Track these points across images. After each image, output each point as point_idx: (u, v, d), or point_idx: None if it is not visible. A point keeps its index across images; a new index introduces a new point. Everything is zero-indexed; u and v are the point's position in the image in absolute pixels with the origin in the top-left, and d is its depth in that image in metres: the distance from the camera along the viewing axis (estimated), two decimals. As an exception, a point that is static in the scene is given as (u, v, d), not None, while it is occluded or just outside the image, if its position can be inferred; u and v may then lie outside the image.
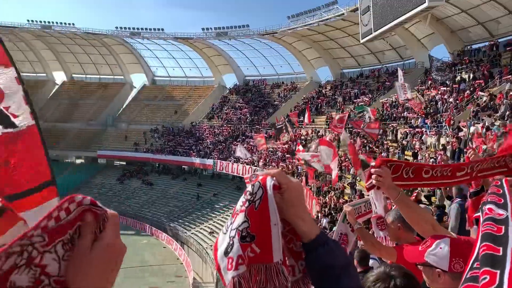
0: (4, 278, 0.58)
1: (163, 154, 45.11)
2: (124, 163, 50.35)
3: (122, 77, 58.36)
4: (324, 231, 0.87)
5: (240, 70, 53.21)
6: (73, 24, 51.89)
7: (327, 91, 42.36)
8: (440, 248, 2.04)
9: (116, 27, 51.93)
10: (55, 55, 56.33)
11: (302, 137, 33.52)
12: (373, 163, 2.25)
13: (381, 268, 1.55)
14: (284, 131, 32.56)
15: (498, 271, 1.05)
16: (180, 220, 35.90)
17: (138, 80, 59.86)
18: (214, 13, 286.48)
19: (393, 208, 3.32)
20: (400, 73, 25.41)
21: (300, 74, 49.01)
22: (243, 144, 37.46)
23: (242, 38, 48.31)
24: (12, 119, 2.24)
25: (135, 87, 59.12)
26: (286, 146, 34.00)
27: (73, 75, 59.61)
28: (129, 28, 51.76)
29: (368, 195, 3.05)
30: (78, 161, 52.72)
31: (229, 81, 54.88)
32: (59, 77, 59.84)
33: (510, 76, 21.32)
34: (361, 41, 33.59)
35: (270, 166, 32.57)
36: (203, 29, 49.42)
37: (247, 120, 45.53)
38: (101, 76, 59.64)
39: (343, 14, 36.66)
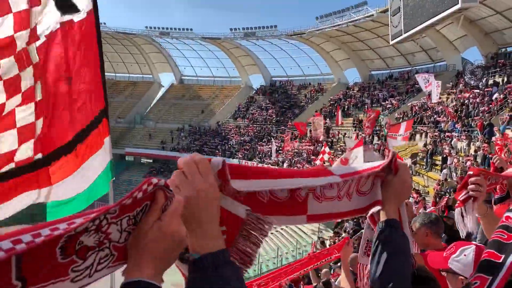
0: (75, 237, 0.73)
1: (189, 152, 45.50)
2: (151, 160, 51.20)
3: (151, 76, 59.36)
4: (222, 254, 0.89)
5: (267, 71, 53.23)
6: (105, 23, 53.06)
7: (355, 92, 41.87)
8: (465, 255, 2.01)
9: (146, 27, 52.88)
10: (87, 54, 57.65)
11: (329, 139, 33.25)
12: (470, 172, 1.98)
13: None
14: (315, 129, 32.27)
15: (490, 278, 1.06)
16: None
17: (166, 79, 60.73)
18: (242, 14, 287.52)
19: (419, 213, 3.26)
20: (429, 77, 24.85)
21: (328, 75, 48.64)
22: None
23: (270, 38, 48.33)
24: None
25: (163, 86, 60.05)
26: (312, 147, 33.79)
27: (105, 74, 60.92)
28: (158, 28, 52.59)
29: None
30: (107, 158, 53.84)
31: (255, 81, 54.99)
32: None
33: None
34: (391, 42, 33.08)
35: (295, 167, 32.47)
36: (231, 29, 49.75)
37: (273, 121, 45.50)
38: (130, 75, 60.80)
39: (372, 15, 36.19)
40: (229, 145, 44.64)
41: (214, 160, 0.97)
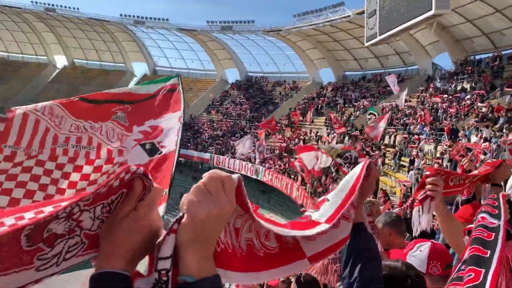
0: (43, 225, 0.71)
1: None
2: (121, 151, 50.28)
3: (124, 64, 58.19)
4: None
5: (243, 66, 53.13)
6: (78, 8, 51.66)
7: (328, 92, 42.37)
8: (420, 251, 2.09)
9: (121, 15, 51.75)
10: (57, 39, 56.03)
11: (301, 136, 33.56)
12: (427, 172, 2.07)
13: (397, 263, 1.52)
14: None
15: (483, 270, 1.10)
16: (173, 212, 35.82)
17: (139, 68, 59.59)
18: (219, 7, 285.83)
19: (383, 213, 3.32)
20: (393, 80, 25.29)
21: (303, 73, 48.99)
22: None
23: (247, 33, 48.22)
24: (160, 149, 2.55)
25: (136, 76, 58.96)
26: (284, 144, 34.02)
27: (75, 60, 59.37)
28: (133, 16, 51.56)
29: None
30: (75, 146, 52.54)
31: (231, 75, 54.80)
32: (60, 61, 59.58)
33: (510, 89, 21.37)
34: (366, 44, 33.62)
35: (267, 164, 32.61)
36: (208, 22, 49.34)
37: (247, 116, 45.50)
38: (102, 63, 59.41)
39: (349, 16, 36.64)
40: (202, 139, 44.36)
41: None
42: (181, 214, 0.81)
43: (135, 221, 0.81)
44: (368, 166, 1.26)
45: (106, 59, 58.91)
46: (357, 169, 1.25)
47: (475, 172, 2.66)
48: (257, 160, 32.43)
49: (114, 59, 58.40)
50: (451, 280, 1.22)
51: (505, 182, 5.10)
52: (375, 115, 23.63)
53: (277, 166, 31.25)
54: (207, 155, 40.63)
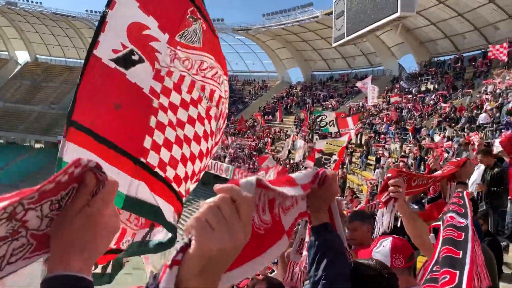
0: None
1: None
2: (87, 150, 48.97)
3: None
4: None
5: (212, 64, 52.80)
6: (41, 3, 49.94)
7: (297, 91, 42.75)
8: (383, 246, 2.13)
9: (87, 10, 50.44)
10: (19, 34, 53.98)
11: (270, 135, 33.70)
12: (389, 174, 2.08)
13: (371, 262, 1.53)
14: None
15: (458, 272, 1.10)
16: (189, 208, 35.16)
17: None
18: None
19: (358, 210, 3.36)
20: (368, 80, 25.86)
21: (272, 73, 49.23)
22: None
23: (216, 32, 47.73)
24: None
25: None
26: (254, 143, 34.07)
27: (38, 56, 57.41)
28: (100, 12, 50.25)
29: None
30: (37, 145, 50.82)
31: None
32: (22, 56, 57.48)
33: (471, 90, 22.21)
34: (333, 44, 34.10)
35: (237, 163, 32.57)
36: (176, 19, 48.72)
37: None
38: (67, 59, 57.69)
39: (317, 16, 37.07)
40: (170, 138, 43.85)
41: (245, 183, 0.80)
42: (186, 240, 0.68)
43: (89, 218, 0.72)
44: (322, 174, 1.27)
45: (71, 56, 57.24)
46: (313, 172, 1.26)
47: (439, 172, 2.73)
48: (227, 159, 32.43)
49: (80, 56, 56.79)
50: (425, 281, 1.23)
51: (485, 173, 5.26)
52: (325, 116, 24.05)
53: (246, 165, 31.25)
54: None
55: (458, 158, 3.51)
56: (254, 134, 35.16)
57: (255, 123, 37.02)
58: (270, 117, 38.82)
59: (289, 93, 43.09)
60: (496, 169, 5.14)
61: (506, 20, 26.20)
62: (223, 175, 31.53)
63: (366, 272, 1.38)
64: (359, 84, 26.42)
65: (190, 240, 0.67)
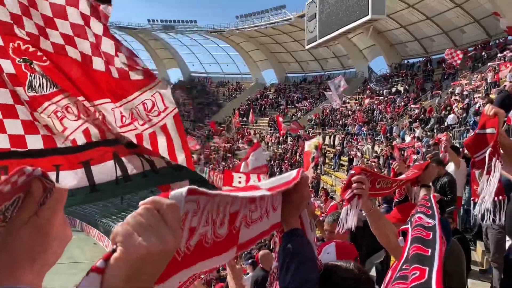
0: None
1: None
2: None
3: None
4: None
5: (185, 66, 52.49)
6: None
7: (271, 93, 42.95)
8: (328, 253, 2.13)
9: (148, 20, 49.03)
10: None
11: (245, 137, 33.72)
12: (352, 171, 2.06)
13: (349, 265, 1.52)
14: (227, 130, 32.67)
15: (427, 268, 1.12)
16: (114, 216, 34.64)
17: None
18: (161, 5, 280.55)
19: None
20: (341, 82, 26.04)
21: (246, 74, 49.31)
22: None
23: (190, 33, 47.68)
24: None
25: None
26: (228, 145, 34.02)
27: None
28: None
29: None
30: None
31: (173, 76, 54.02)
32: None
33: (440, 91, 22.82)
34: (306, 47, 34.42)
35: (211, 165, 32.43)
36: (149, 20, 48.17)
37: (191, 117, 45.02)
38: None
39: (290, 19, 37.35)
40: (143, 140, 43.25)
41: (174, 194, 0.77)
42: (111, 248, 0.65)
43: (38, 228, 0.69)
44: (301, 175, 1.27)
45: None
46: (292, 173, 1.26)
47: (403, 176, 2.76)
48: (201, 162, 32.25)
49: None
50: (395, 279, 1.24)
51: (434, 182, 5.38)
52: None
53: (220, 167, 31.18)
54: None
55: (422, 161, 3.58)
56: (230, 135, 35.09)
57: (230, 125, 36.97)
58: (245, 118, 38.92)
59: (263, 94, 43.25)
60: (445, 179, 5.36)
61: (472, 23, 27.07)
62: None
63: (345, 275, 1.38)
64: (331, 86, 26.66)
65: (115, 248, 0.65)
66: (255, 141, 19.80)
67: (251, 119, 35.64)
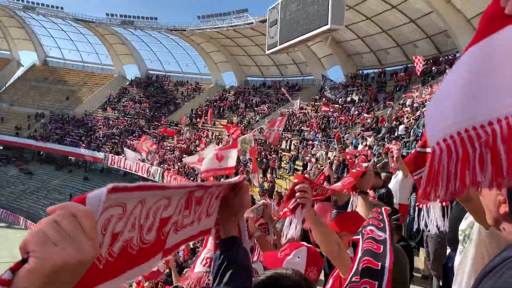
0: None
1: (48, 141, 41.59)
2: (1, 147, 45.24)
3: (9, 52, 52.64)
4: None
5: (143, 63, 51.42)
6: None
7: (231, 96, 42.92)
8: (298, 257, 2.16)
9: (107, 14, 46.93)
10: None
11: (202, 138, 33.46)
12: (295, 180, 2.04)
13: (289, 272, 1.53)
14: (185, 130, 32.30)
15: (377, 282, 1.16)
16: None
17: (28, 58, 54.51)
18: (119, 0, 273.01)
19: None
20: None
21: (206, 75, 48.99)
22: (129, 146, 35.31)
23: (149, 30, 46.77)
24: None
25: (22, 66, 53.77)
26: (185, 146, 33.61)
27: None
28: (23, 1, 46.91)
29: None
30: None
31: (130, 72, 52.78)
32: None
33: (392, 102, 23.72)
34: (267, 52, 34.71)
35: (166, 165, 31.89)
36: (107, 14, 46.83)
37: (146, 115, 44.10)
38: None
39: (252, 23, 37.52)
40: (95, 137, 41.87)
41: (92, 197, 0.72)
42: (22, 258, 0.59)
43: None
44: (240, 182, 1.30)
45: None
46: (232, 180, 1.29)
47: (339, 184, 2.83)
48: (155, 162, 31.65)
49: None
50: None
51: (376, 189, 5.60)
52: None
53: (176, 168, 30.75)
54: (100, 155, 38.48)
55: (358, 169, 3.71)
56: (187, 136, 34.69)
57: (183, 126, 36.55)
58: (203, 119, 38.64)
59: (222, 96, 43.13)
60: (382, 190, 5.60)
61: (425, 39, 28.38)
62: (151, 178, 30.76)
63: (285, 283, 1.37)
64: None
65: (26, 258, 0.59)
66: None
67: (210, 120, 35.45)
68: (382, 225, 1.63)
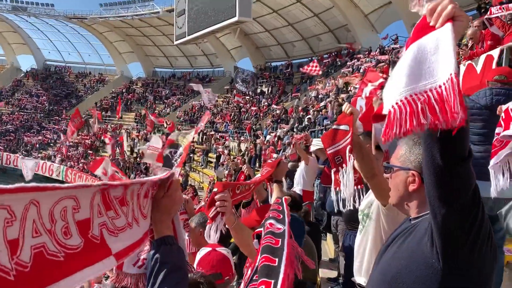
0: None
1: None
2: None
3: None
4: None
5: (40, 53, 47.35)
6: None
7: (138, 87, 41.36)
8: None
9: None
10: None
11: (110, 133, 31.90)
12: (215, 189, 2.10)
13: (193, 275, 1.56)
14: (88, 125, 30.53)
15: (273, 281, 1.18)
16: None
17: None
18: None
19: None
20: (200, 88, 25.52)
21: (110, 66, 46.52)
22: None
23: (45, 17, 43.06)
24: None
25: None
26: (89, 142, 31.81)
27: None
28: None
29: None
30: None
31: (24, 63, 48.31)
32: None
33: (298, 93, 24.70)
34: (175, 42, 33.94)
35: (69, 162, 29.94)
36: (-6, -2, 42.19)
37: (45, 110, 40.82)
38: None
39: (158, 12, 36.39)
40: (-14, 135, 37.86)
41: None
42: None
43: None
44: (167, 179, 1.30)
45: None
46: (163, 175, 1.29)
47: (258, 176, 2.95)
48: (57, 159, 29.61)
49: None
50: None
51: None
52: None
53: (80, 165, 28.99)
54: (-8, 154, 34.93)
55: (273, 159, 3.89)
56: (89, 132, 32.83)
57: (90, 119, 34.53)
58: (109, 113, 36.79)
59: (129, 88, 41.38)
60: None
61: (327, 33, 29.87)
62: (54, 176, 28.71)
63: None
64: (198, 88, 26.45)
65: None
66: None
67: (118, 113, 33.91)
68: (281, 216, 1.63)
